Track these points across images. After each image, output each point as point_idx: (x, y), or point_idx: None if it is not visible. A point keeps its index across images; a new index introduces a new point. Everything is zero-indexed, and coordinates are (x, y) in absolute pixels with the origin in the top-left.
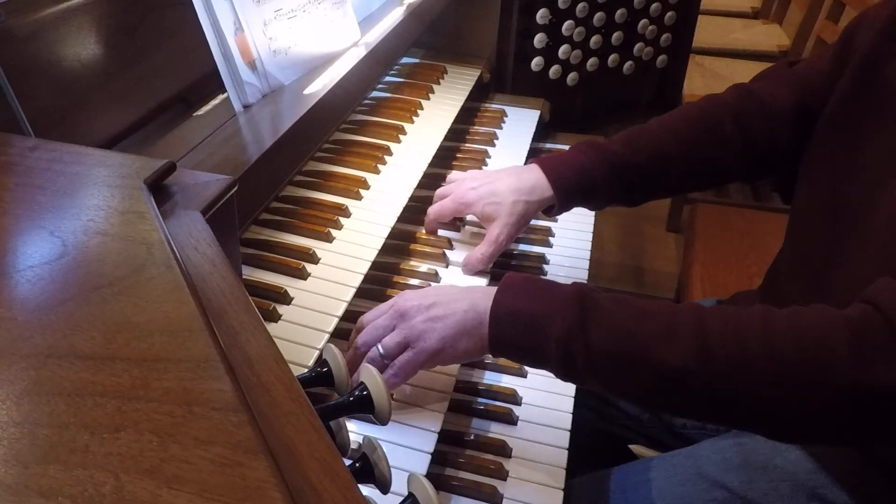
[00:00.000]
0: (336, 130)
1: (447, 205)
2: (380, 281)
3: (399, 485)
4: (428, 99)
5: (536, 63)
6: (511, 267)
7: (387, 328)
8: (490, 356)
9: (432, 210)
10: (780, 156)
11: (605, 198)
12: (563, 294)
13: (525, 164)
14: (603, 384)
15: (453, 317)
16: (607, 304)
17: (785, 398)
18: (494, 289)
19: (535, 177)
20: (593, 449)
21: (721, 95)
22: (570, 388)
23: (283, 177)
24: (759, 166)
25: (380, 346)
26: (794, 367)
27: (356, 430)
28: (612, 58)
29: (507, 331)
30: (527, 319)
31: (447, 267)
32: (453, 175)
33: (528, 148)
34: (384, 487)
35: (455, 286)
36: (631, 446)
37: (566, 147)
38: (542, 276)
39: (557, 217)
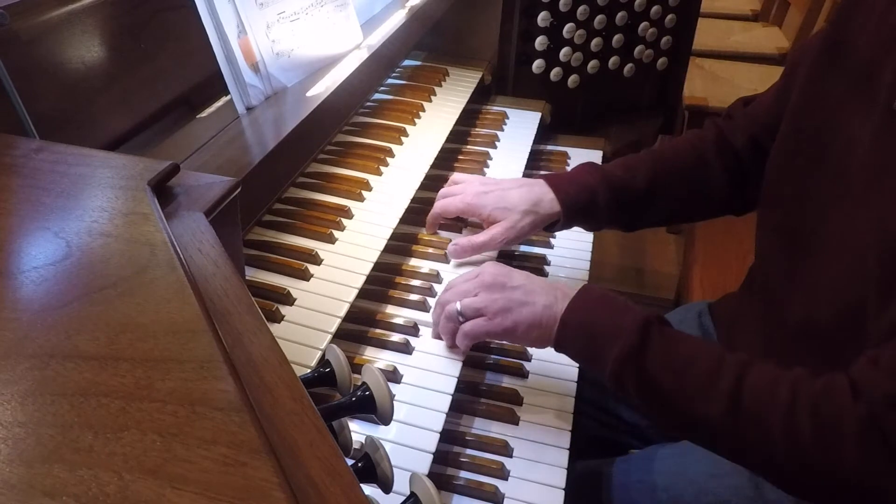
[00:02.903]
0: (338, 132)
1: (455, 203)
2: (382, 282)
3: (401, 484)
4: (430, 101)
5: (537, 65)
6: (512, 266)
7: (468, 293)
8: (492, 357)
9: (438, 205)
10: (751, 188)
11: (605, 219)
12: (630, 318)
13: (527, 164)
14: (645, 409)
15: (532, 307)
16: (667, 339)
17: (796, 470)
18: (574, 292)
19: (544, 192)
20: (593, 454)
21: (703, 131)
22: (571, 390)
23: (286, 178)
24: (742, 197)
25: (459, 305)
26: (807, 449)
27: (358, 430)
28: (613, 60)
29: (572, 338)
30: (592, 334)
31: (449, 264)
32: (458, 176)
33: (529, 150)
34: (386, 487)
35: (541, 278)
36: (632, 451)
37: (567, 149)
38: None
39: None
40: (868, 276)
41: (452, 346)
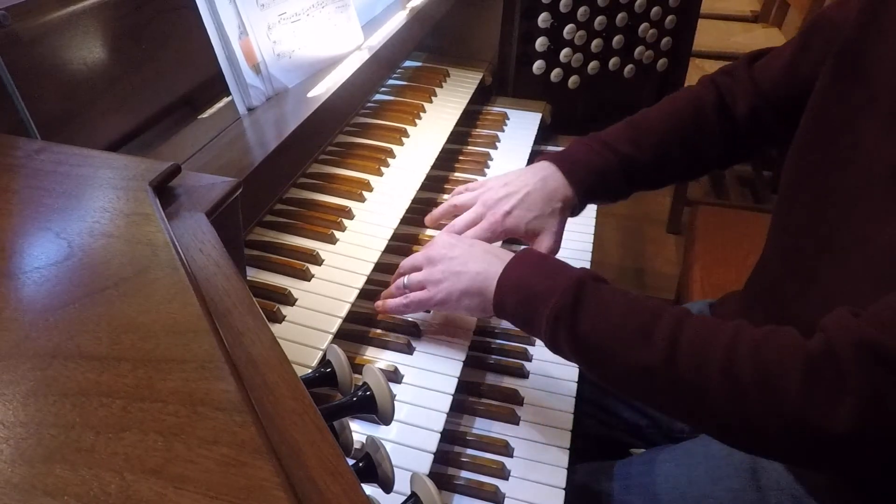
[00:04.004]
0: (339, 133)
1: (482, 233)
2: (383, 282)
3: (402, 484)
4: (430, 102)
5: (538, 66)
6: None
7: (415, 267)
8: (492, 357)
9: (467, 235)
10: (743, 150)
11: (611, 197)
12: (565, 276)
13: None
14: (583, 367)
15: (466, 275)
16: (602, 296)
17: (737, 416)
18: (511, 256)
19: (558, 180)
20: (593, 454)
21: (700, 90)
22: (571, 389)
23: (287, 179)
24: (729, 156)
25: (405, 279)
26: (748, 390)
27: (359, 430)
28: (613, 61)
29: (509, 300)
30: (527, 293)
31: None
32: (466, 194)
33: (529, 150)
34: (387, 487)
35: (482, 245)
36: (631, 451)
37: None
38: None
39: None
40: (889, 283)
41: (389, 307)
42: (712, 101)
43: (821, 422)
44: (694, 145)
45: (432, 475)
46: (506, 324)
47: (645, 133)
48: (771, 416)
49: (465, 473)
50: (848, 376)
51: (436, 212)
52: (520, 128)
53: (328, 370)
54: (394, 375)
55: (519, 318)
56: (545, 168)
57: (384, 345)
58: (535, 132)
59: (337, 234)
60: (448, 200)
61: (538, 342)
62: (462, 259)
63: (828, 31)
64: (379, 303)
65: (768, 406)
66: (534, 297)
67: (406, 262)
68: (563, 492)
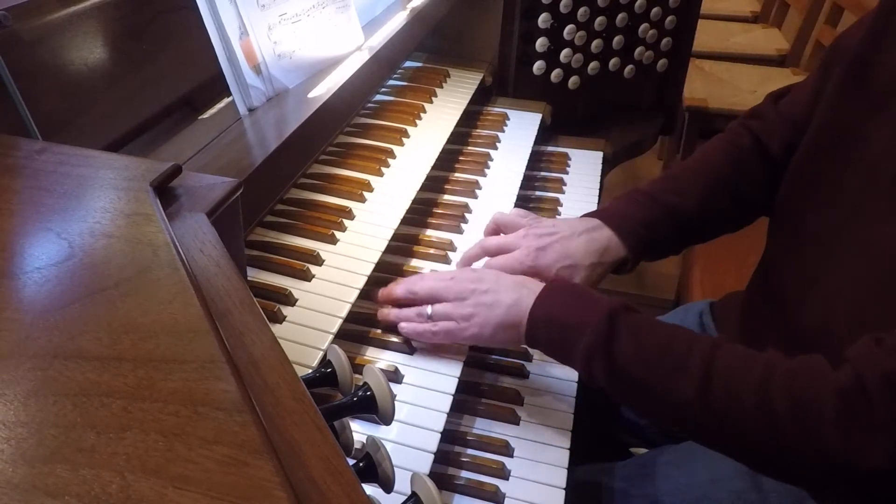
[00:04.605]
0: (340, 134)
1: (512, 264)
2: (383, 283)
3: (402, 484)
4: (431, 102)
5: (538, 67)
6: None
7: (434, 297)
8: (493, 357)
9: (496, 263)
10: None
11: (663, 251)
12: (598, 308)
13: (528, 165)
14: (619, 399)
15: (498, 308)
16: (635, 328)
17: (772, 448)
18: (541, 287)
19: (607, 237)
20: (594, 453)
21: (733, 136)
22: (572, 389)
23: (288, 179)
24: (771, 202)
25: (429, 309)
26: (783, 423)
27: (360, 430)
28: (613, 61)
29: (542, 333)
30: (560, 326)
31: (451, 266)
32: (501, 218)
33: (530, 151)
34: (387, 487)
35: (508, 276)
36: (632, 450)
37: (567, 150)
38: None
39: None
40: (891, 286)
41: (406, 331)
42: (748, 144)
43: (855, 456)
44: (739, 190)
45: (432, 475)
46: None
47: (685, 182)
48: (806, 449)
49: (465, 473)
50: (879, 410)
51: (469, 253)
52: (520, 128)
53: (328, 370)
54: (394, 375)
55: (553, 350)
56: (593, 223)
57: (384, 345)
58: (535, 133)
59: (337, 234)
60: (484, 243)
61: None
62: (493, 291)
63: (844, 53)
64: (388, 314)
65: (803, 440)
66: (567, 329)
67: (421, 289)
68: (563, 492)
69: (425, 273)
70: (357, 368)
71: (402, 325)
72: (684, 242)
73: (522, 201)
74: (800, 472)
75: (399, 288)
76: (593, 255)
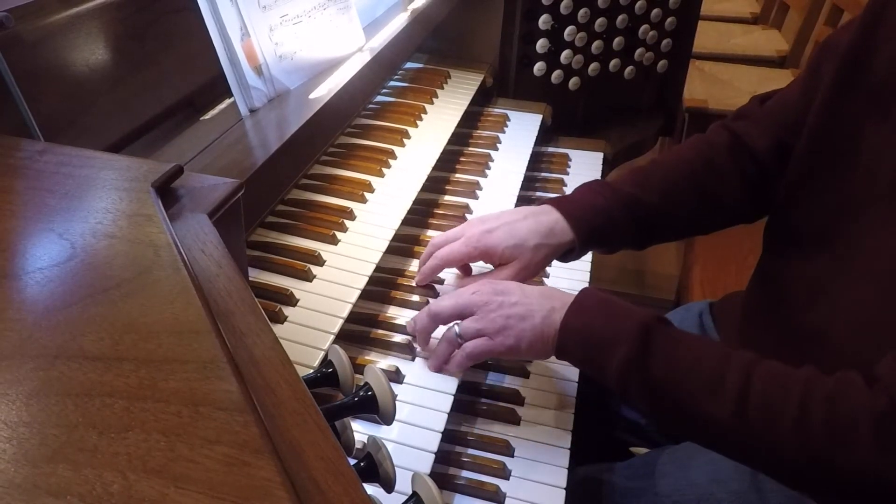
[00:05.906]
0: (341, 134)
1: (459, 249)
2: (384, 283)
3: (403, 484)
4: (432, 103)
5: (539, 68)
6: None
7: (457, 314)
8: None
9: (440, 255)
10: (772, 192)
11: (619, 240)
12: (631, 322)
13: (528, 166)
14: (652, 414)
15: (531, 321)
16: (670, 343)
17: (808, 467)
18: (571, 299)
19: (554, 219)
20: (594, 452)
21: (710, 135)
22: (572, 389)
23: (289, 180)
24: (756, 203)
25: (458, 327)
26: (821, 444)
27: (361, 430)
28: (614, 63)
29: (573, 346)
30: (593, 341)
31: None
32: (444, 236)
33: (530, 151)
34: (388, 486)
35: (535, 288)
36: (632, 449)
37: (568, 150)
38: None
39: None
40: (894, 290)
41: (445, 368)
42: (724, 142)
43: (890, 475)
44: (708, 188)
45: (433, 475)
46: None
47: (649, 175)
48: (841, 469)
49: (466, 473)
50: None
51: (425, 270)
52: (520, 129)
53: (330, 370)
54: (395, 376)
55: (585, 364)
56: (542, 208)
57: (385, 345)
58: (535, 133)
59: (338, 234)
60: (431, 242)
61: None
62: (522, 304)
63: (835, 53)
64: (432, 366)
65: (839, 460)
66: (599, 343)
67: (443, 310)
68: (563, 491)
69: (443, 295)
70: (358, 368)
71: (445, 368)
72: (648, 236)
73: (523, 202)
74: (839, 493)
75: (421, 317)
76: (538, 235)
